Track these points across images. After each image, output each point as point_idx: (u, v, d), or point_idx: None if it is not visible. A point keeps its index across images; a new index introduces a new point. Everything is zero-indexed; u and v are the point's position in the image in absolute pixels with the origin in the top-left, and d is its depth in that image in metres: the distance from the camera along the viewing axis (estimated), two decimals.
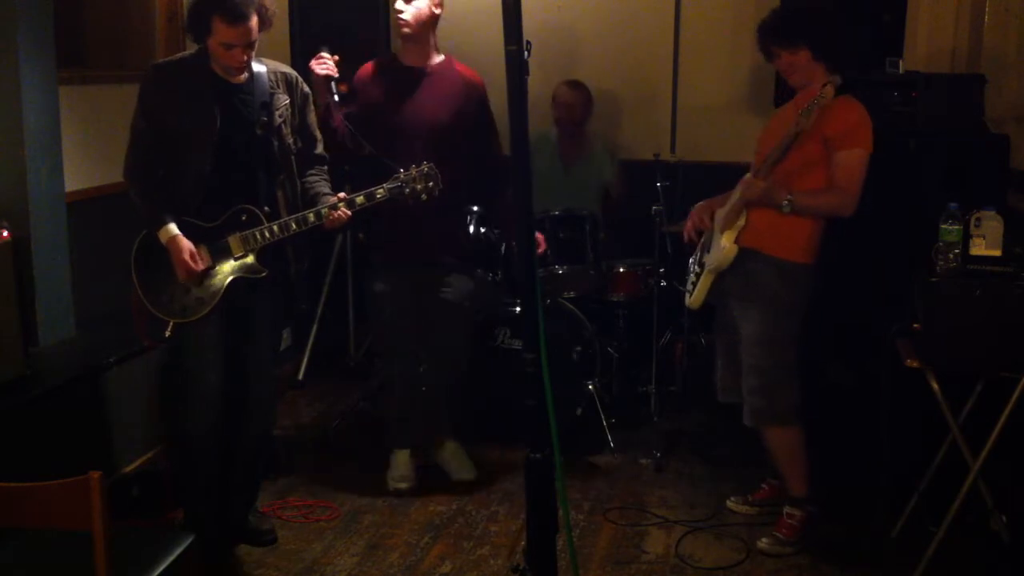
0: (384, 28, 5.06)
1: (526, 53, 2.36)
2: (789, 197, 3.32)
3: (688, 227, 3.67)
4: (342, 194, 3.35)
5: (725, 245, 3.43)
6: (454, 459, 4.05)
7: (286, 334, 5.19)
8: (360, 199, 3.31)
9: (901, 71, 4.32)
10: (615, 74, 5.33)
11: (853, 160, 3.31)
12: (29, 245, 3.60)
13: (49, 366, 3.56)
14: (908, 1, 4.61)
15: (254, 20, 3.08)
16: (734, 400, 3.58)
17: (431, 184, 3.36)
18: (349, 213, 3.31)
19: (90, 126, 4.13)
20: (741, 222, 3.43)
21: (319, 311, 5.24)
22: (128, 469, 3.81)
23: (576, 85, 4.93)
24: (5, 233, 3.35)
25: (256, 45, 3.17)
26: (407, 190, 3.34)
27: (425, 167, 3.37)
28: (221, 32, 3.07)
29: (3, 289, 3.32)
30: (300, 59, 4.98)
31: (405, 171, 3.36)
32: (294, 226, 3.23)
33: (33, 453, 3.28)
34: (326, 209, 3.27)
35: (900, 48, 4.51)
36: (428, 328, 3.94)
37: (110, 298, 3.95)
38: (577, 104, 4.91)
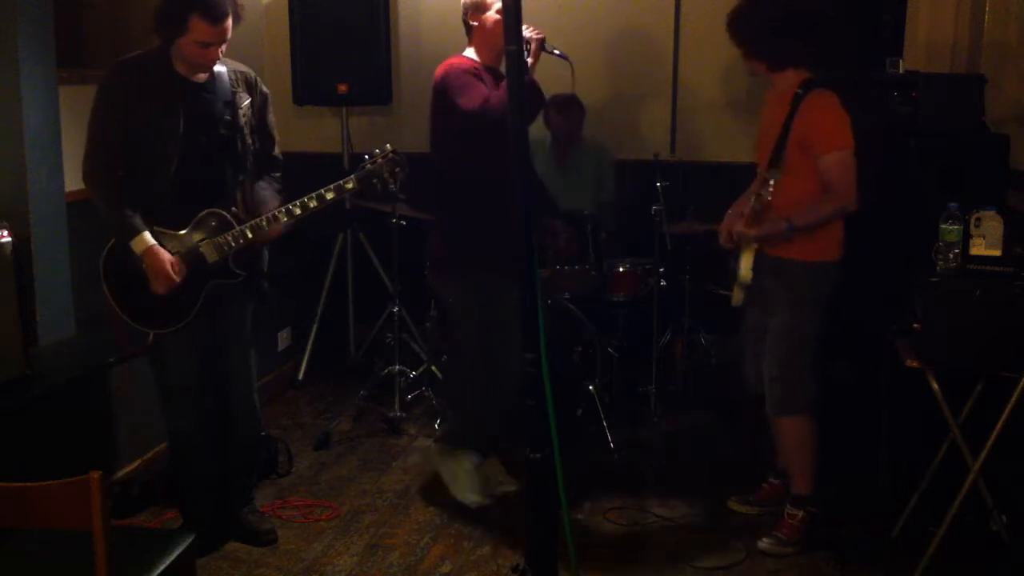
0: (384, 25, 5.06)
1: (526, 53, 2.36)
2: (787, 223, 3.34)
3: (722, 240, 3.64)
4: (292, 203, 3.26)
5: (743, 271, 3.48)
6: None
7: (286, 334, 5.19)
8: (330, 194, 3.23)
9: (901, 71, 4.32)
10: (615, 74, 5.34)
11: (838, 162, 3.31)
12: (29, 245, 3.59)
13: (49, 366, 3.55)
14: (908, 1, 4.61)
15: (230, 19, 3.06)
16: (763, 392, 3.59)
17: (397, 170, 3.27)
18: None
19: None
20: (755, 244, 3.47)
21: (319, 311, 5.25)
22: (128, 469, 3.81)
23: (566, 106, 4.82)
24: (5, 233, 3.34)
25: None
26: (375, 179, 3.27)
27: (389, 152, 3.27)
28: (199, 31, 3.02)
29: (3, 289, 3.31)
30: (300, 55, 5.00)
31: (371, 158, 3.28)
32: (265, 226, 3.20)
33: (33, 453, 3.28)
34: (299, 205, 3.20)
35: (900, 48, 4.51)
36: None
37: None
38: (571, 124, 4.87)
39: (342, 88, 4.98)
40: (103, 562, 2.06)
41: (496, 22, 3.60)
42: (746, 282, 3.51)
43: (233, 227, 3.19)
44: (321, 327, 5.24)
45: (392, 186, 3.30)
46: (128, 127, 3.13)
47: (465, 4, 3.68)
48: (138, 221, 3.12)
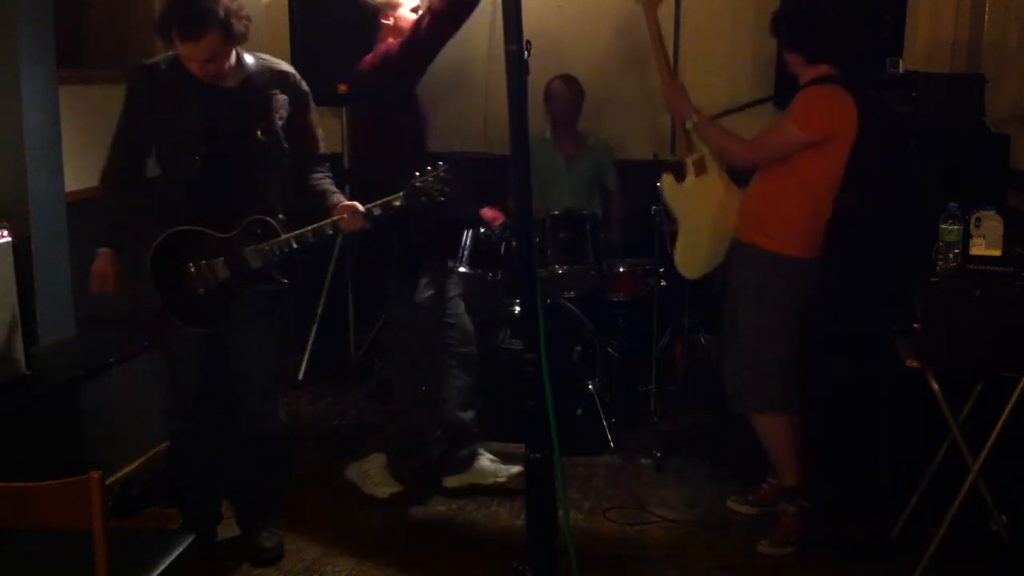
0: None
1: (526, 53, 2.36)
2: (696, 117, 3.49)
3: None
4: (358, 204, 3.20)
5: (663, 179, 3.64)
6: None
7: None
8: (377, 211, 3.17)
9: (901, 71, 4.32)
10: (615, 74, 5.33)
11: (779, 127, 3.37)
12: (29, 245, 3.60)
13: (49, 366, 3.56)
14: (908, 1, 4.61)
15: (211, 37, 2.96)
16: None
17: (447, 189, 3.17)
18: (366, 223, 3.19)
19: (90, 126, 4.12)
20: (694, 158, 3.58)
21: (319, 311, 5.25)
22: (128, 469, 3.81)
23: (568, 80, 4.96)
24: (5, 233, 3.35)
25: (222, 58, 3.07)
26: (424, 197, 3.15)
27: (441, 170, 3.16)
28: (177, 45, 3.01)
29: (3, 289, 3.32)
30: (300, 55, 4.99)
31: (421, 175, 3.16)
32: (311, 238, 3.14)
33: (33, 453, 3.28)
34: (344, 219, 3.16)
35: (900, 48, 4.51)
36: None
37: (110, 298, 3.95)
38: (572, 98, 4.95)
39: (342, 88, 4.96)
40: (103, 562, 2.06)
41: (407, 20, 3.72)
42: (666, 193, 3.64)
43: (278, 235, 3.14)
44: (321, 327, 5.24)
45: (439, 201, 3.20)
46: (143, 128, 3.15)
47: (375, 4, 3.75)
48: (119, 232, 3.22)
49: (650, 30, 3.57)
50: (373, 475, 3.94)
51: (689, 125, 3.49)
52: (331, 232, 3.18)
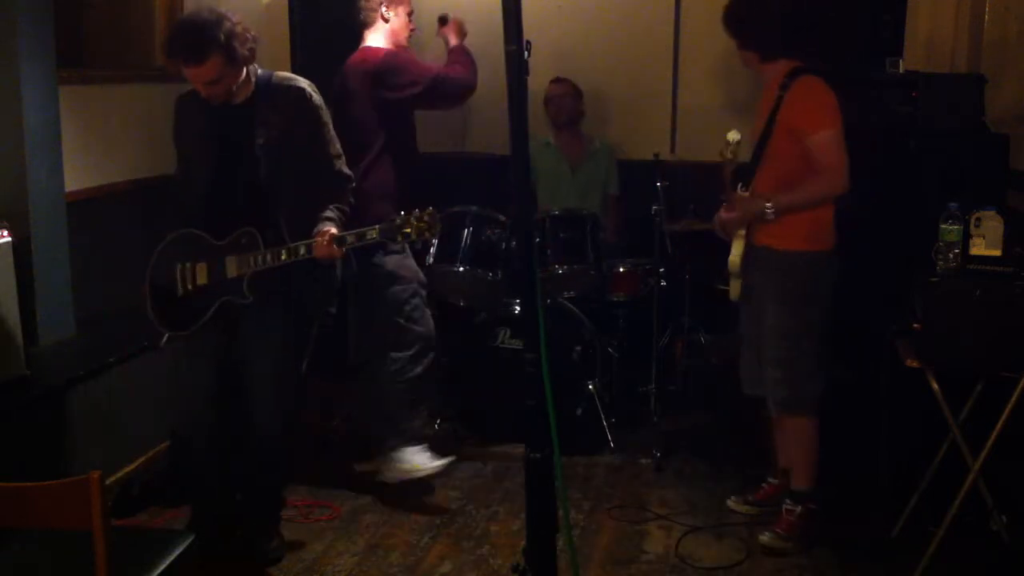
0: None
1: (526, 53, 2.36)
2: (768, 205, 3.37)
3: (716, 230, 3.69)
4: (333, 229, 3.19)
5: (731, 259, 3.53)
6: None
7: None
8: (351, 238, 3.16)
9: (901, 71, 4.32)
10: (615, 74, 5.33)
11: (824, 141, 3.32)
12: (29, 245, 3.60)
13: (49, 366, 3.56)
14: (908, 1, 4.60)
15: (213, 61, 3.02)
16: (758, 393, 3.59)
17: (427, 234, 3.11)
18: (340, 251, 3.16)
19: (90, 126, 4.13)
20: (742, 231, 3.50)
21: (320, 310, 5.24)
22: (128, 469, 3.81)
23: (561, 81, 5.01)
24: (5, 233, 3.35)
25: (228, 79, 3.12)
26: (399, 237, 3.11)
27: (426, 214, 3.09)
28: (182, 68, 3.09)
29: (3, 289, 3.32)
30: (300, 55, 5.00)
31: (405, 214, 3.11)
32: (284, 256, 3.14)
33: (33, 453, 3.28)
34: (316, 242, 3.14)
35: (900, 48, 4.51)
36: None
37: (110, 298, 3.96)
38: (565, 95, 4.97)
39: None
40: (103, 562, 2.06)
41: (405, 22, 3.97)
42: (735, 270, 3.53)
43: (259, 249, 3.16)
44: (321, 327, 5.23)
45: (417, 245, 3.23)
46: (177, 147, 3.38)
47: None
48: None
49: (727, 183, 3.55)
50: (422, 458, 3.91)
51: (772, 216, 3.38)
52: (304, 253, 3.14)
